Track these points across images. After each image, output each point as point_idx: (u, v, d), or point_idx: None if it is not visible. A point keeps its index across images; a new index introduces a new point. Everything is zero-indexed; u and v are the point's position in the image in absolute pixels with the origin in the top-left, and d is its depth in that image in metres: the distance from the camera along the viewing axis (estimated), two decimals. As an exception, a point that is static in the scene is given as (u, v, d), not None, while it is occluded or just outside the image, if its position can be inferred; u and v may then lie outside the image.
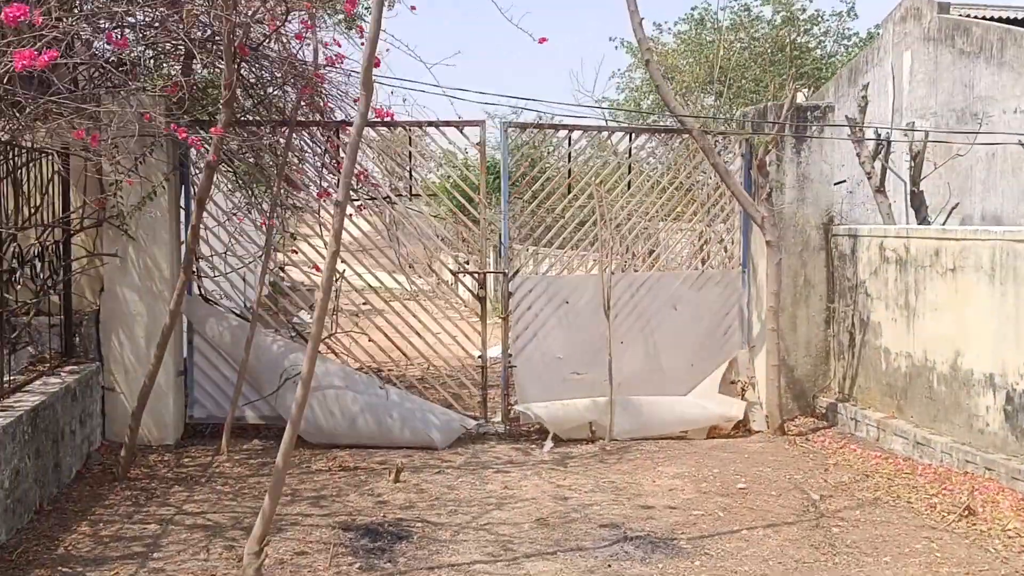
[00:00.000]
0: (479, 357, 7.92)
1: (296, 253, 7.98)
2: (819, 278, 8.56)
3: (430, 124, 7.53)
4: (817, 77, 23.10)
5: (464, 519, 5.56)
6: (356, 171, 7.55)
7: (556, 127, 7.84)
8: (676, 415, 8.02)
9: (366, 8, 10.69)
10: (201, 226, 7.67)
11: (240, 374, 7.31)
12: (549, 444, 7.60)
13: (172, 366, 7.45)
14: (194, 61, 7.21)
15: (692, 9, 28.89)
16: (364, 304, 8.29)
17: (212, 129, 6.04)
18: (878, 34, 17.43)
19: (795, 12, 25.00)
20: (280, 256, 7.95)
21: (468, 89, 7.05)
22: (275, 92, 7.47)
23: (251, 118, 7.50)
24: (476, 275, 7.74)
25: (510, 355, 7.89)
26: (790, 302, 8.48)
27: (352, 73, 8.06)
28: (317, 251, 7.89)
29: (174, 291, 6.92)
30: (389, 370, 8.08)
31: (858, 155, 9.44)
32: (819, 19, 25.37)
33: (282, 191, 7.41)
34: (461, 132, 7.58)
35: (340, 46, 7.70)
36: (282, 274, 8.13)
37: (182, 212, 7.71)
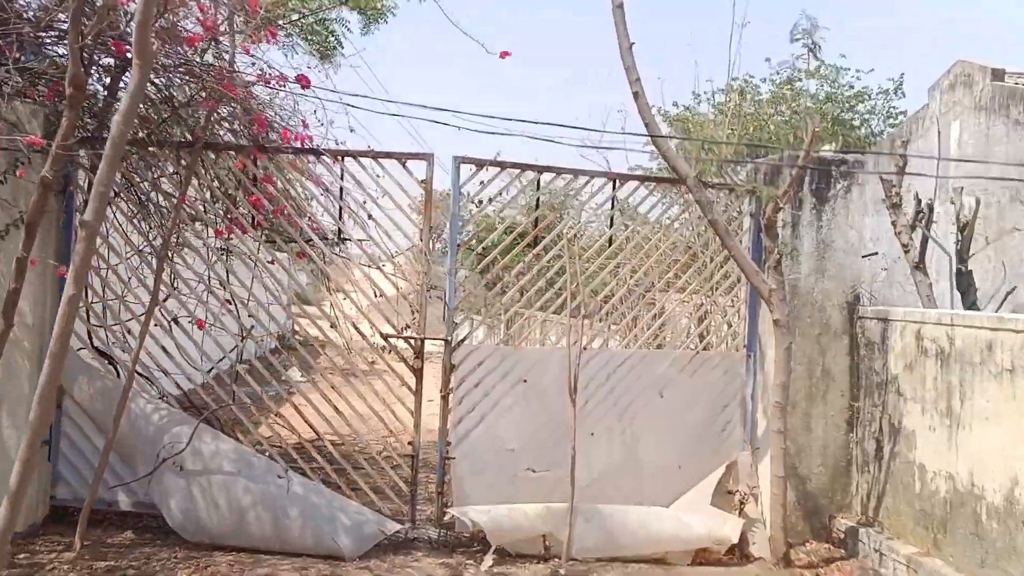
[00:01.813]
0: (410, 444, 6.41)
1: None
2: (840, 369, 6.99)
3: (363, 155, 6.18)
4: (861, 154, 21.73)
5: None
6: (274, 207, 6.23)
7: (521, 166, 6.44)
8: (654, 532, 6.40)
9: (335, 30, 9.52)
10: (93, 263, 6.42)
11: (106, 448, 5.89)
12: (489, 560, 6.02)
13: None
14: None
15: (732, 79, 27.61)
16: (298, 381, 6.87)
17: (28, 139, 4.75)
18: (924, 104, 16.06)
19: (840, 88, 23.88)
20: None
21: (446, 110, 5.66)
22: (184, 105, 6.20)
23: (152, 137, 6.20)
24: (412, 341, 6.28)
25: (449, 443, 6.37)
26: (804, 396, 6.90)
27: (296, 96, 6.85)
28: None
29: (47, 341, 5.68)
30: (295, 448, 6.59)
31: (893, 223, 7.92)
32: (865, 96, 24.10)
33: (181, 225, 6.10)
34: (404, 166, 6.21)
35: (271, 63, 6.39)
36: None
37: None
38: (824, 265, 6.94)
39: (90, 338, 6.49)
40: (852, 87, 23.78)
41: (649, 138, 6.45)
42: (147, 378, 6.56)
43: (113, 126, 3.25)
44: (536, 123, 5.51)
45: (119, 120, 3.20)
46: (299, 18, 8.75)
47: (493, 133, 5.42)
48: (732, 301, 7.27)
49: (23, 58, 6.07)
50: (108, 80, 6.56)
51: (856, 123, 24.01)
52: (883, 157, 13.81)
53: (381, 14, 10.46)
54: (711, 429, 6.99)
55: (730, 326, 7.31)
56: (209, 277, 6.46)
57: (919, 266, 7.89)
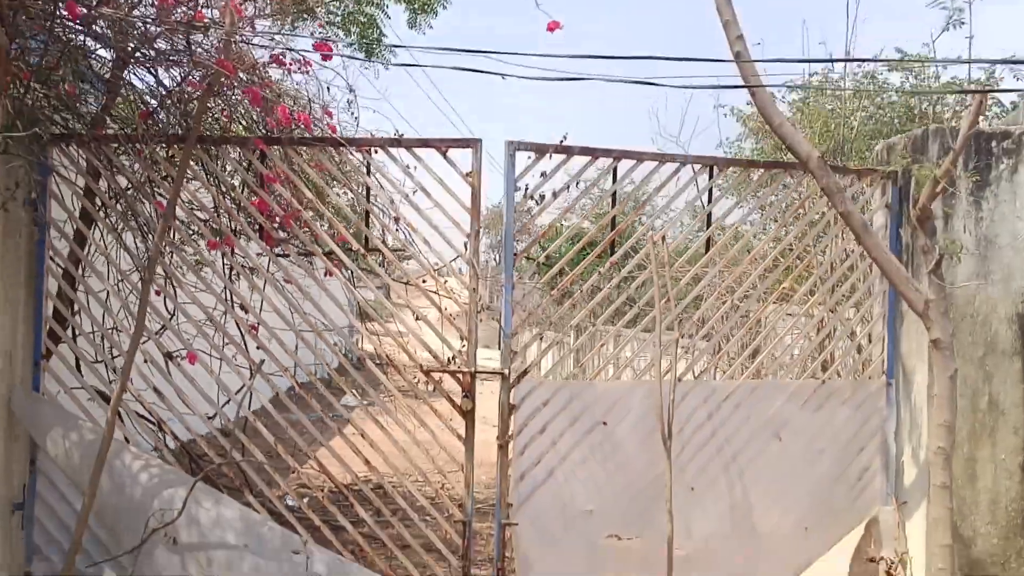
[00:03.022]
0: (460, 507, 5.08)
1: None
2: (1012, 400, 5.41)
3: (394, 144, 4.91)
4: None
5: None
6: (285, 213, 5.02)
7: (593, 152, 5.09)
8: (777, 618, 4.95)
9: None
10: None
11: (81, 514, 4.72)
12: (564, 658, 4.65)
13: (-3, 496, 4.96)
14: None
15: (811, 75, 25.66)
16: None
17: None
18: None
19: (927, 80, 21.88)
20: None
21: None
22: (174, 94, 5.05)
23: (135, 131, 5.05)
24: (460, 376, 4.96)
25: (509, 505, 5.02)
26: (966, 436, 5.35)
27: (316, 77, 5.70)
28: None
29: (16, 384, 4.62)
30: (330, 495, 5.30)
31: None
32: (955, 87, 21.98)
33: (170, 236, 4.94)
34: (445, 156, 4.93)
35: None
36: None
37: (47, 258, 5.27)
38: (987, 267, 5.40)
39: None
40: (938, 78, 21.76)
41: (759, 111, 5.04)
42: (153, 423, 5.43)
43: None
44: (620, 58, 4.09)
45: None
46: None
47: (557, 78, 4.07)
48: (864, 318, 5.78)
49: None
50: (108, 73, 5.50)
51: (947, 116, 21.99)
52: None
53: (430, 4, 9.22)
54: (844, 480, 5.49)
55: (861, 349, 5.83)
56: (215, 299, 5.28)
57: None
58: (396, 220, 4.83)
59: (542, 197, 4.95)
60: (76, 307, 5.35)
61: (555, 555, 4.99)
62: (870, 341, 5.78)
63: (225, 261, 5.30)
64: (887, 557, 5.33)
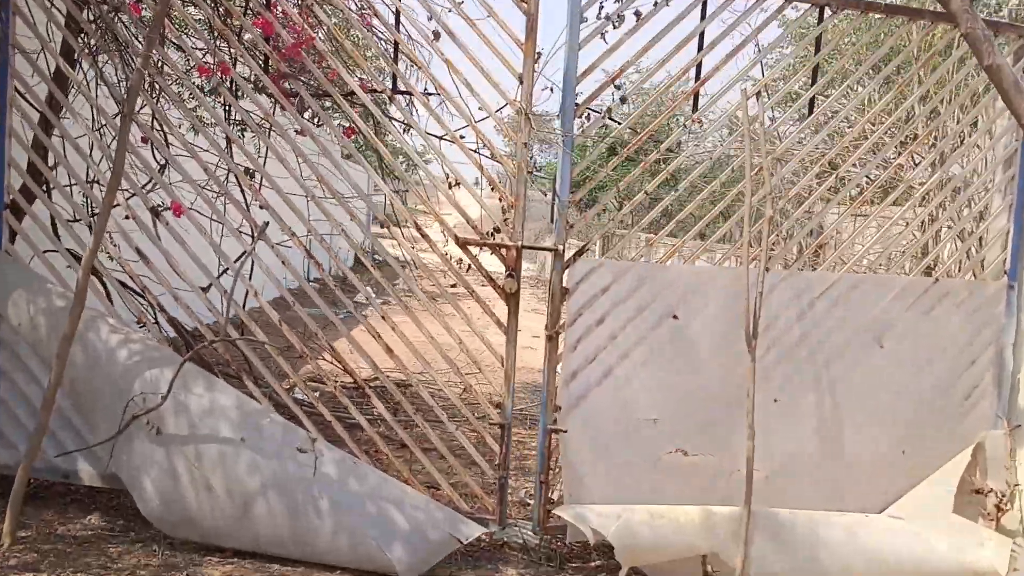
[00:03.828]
0: (497, 408, 4.26)
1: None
2: None
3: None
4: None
5: None
6: (295, 41, 4.09)
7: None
8: (869, 554, 4.13)
9: None
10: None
11: (47, 396, 3.94)
12: (617, 590, 3.88)
13: (-50, 372, 4.18)
14: None
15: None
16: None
17: None
18: None
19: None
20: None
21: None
22: None
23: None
24: (503, 252, 4.09)
25: (558, 408, 4.19)
26: (1103, 352, 4.47)
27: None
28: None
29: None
30: (346, 390, 4.50)
31: None
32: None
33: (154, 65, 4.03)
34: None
35: None
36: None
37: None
38: None
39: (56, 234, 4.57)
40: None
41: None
42: (138, 293, 4.63)
43: None
44: None
45: None
46: None
47: None
48: (982, 212, 4.86)
49: None
50: None
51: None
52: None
53: None
54: (950, 397, 4.63)
55: (974, 249, 4.92)
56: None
57: None
58: (436, 36, 3.84)
59: (621, 18, 3.95)
60: (51, 156, 4.50)
61: (609, 468, 4.18)
62: (988, 236, 4.86)
63: (222, 101, 4.39)
64: (996, 489, 4.51)
